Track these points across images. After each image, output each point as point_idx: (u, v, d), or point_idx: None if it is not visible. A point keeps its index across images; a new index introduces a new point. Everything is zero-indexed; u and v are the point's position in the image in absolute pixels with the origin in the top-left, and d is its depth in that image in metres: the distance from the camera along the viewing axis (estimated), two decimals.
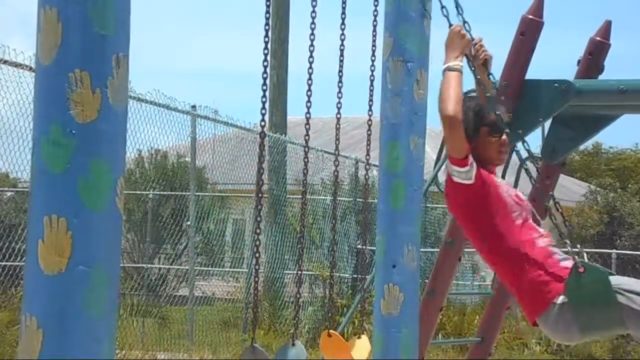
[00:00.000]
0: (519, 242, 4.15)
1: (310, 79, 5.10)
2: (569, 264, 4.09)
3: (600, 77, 6.15)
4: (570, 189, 30.19)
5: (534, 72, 5.82)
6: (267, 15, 4.73)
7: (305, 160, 5.23)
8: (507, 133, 4.33)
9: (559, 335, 4.18)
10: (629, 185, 26.32)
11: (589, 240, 22.50)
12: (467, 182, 4.16)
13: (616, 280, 4.06)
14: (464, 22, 4.63)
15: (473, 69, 4.51)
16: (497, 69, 5.88)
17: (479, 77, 4.50)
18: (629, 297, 3.98)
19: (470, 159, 4.14)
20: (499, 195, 4.19)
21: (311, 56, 5.03)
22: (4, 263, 11.67)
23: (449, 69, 4.22)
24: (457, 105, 4.09)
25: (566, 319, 4.04)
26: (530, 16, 5.74)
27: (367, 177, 5.80)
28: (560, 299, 4.02)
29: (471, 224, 4.28)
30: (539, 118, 5.78)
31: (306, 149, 5.21)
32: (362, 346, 5.36)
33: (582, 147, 37.84)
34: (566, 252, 4.20)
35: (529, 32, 5.75)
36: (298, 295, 5.29)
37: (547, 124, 6.08)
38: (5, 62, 9.02)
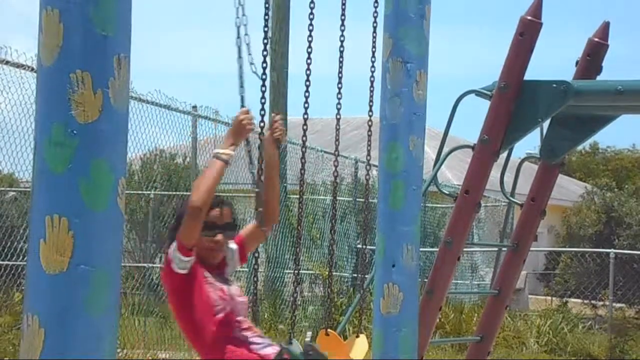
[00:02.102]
0: (215, 333, 4.29)
1: (308, 80, 5.12)
2: (270, 350, 4.29)
3: (599, 77, 6.17)
4: (568, 189, 30.18)
5: (532, 72, 5.84)
6: (267, 17, 4.75)
7: (303, 160, 5.25)
8: (225, 235, 4.37)
9: None
10: (626, 186, 26.30)
11: (587, 239, 22.52)
12: (183, 271, 4.25)
13: None
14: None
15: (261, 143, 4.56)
16: (496, 70, 5.91)
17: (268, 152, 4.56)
18: None
19: (193, 253, 4.22)
20: (204, 290, 4.30)
21: (309, 57, 5.06)
22: (5, 262, 11.68)
23: (216, 156, 4.27)
24: (206, 196, 4.13)
25: None
26: (529, 17, 5.76)
27: (367, 177, 5.82)
28: None
29: (179, 308, 4.38)
30: (537, 118, 5.80)
31: (304, 150, 5.23)
32: (360, 345, 5.38)
33: (579, 147, 37.83)
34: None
35: (527, 33, 5.76)
36: (295, 294, 5.31)
37: (546, 124, 6.10)
38: (7, 62, 9.03)
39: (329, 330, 5.35)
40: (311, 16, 4.98)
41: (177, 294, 4.33)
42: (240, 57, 4.64)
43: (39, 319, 2.16)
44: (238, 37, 4.61)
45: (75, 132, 2.16)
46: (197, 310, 4.30)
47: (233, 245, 4.58)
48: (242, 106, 4.51)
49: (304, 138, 5.15)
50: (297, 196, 5.24)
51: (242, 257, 4.62)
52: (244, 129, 4.37)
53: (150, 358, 11.54)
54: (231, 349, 4.27)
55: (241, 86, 4.64)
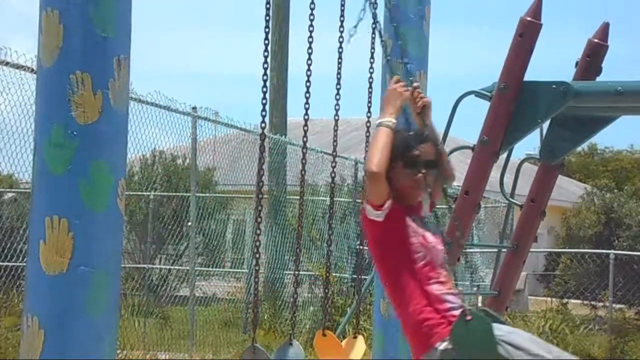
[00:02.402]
0: (414, 283, 4.18)
1: (308, 81, 5.12)
2: (457, 313, 4.14)
3: (599, 78, 6.17)
4: (568, 190, 30.18)
5: (532, 73, 5.84)
6: (267, 17, 4.75)
7: (303, 161, 5.25)
8: (424, 174, 4.27)
9: None
10: (625, 187, 26.30)
11: (586, 241, 22.50)
12: (377, 219, 4.19)
13: (500, 330, 4.10)
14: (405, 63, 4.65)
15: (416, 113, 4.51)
16: (496, 71, 5.91)
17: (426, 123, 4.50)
18: (508, 351, 4.04)
19: (386, 204, 4.16)
20: (406, 235, 4.21)
21: (309, 58, 5.05)
22: (5, 263, 11.68)
23: (380, 124, 4.23)
24: (381, 161, 4.10)
25: None
26: (528, 18, 5.76)
27: (364, 177, 5.81)
28: (443, 345, 4.08)
29: (379, 257, 4.32)
30: (537, 119, 5.79)
31: (304, 151, 5.23)
32: (357, 346, 5.38)
33: (578, 148, 37.85)
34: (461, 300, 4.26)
35: (527, 34, 5.76)
36: (295, 295, 5.31)
37: (546, 125, 6.10)
38: (7, 63, 9.03)
39: (326, 331, 5.34)
40: (312, 17, 4.98)
41: (377, 241, 4.25)
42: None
43: (38, 320, 2.16)
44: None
45: (75, 133, 2.16)
46: (397, 257, 4.20)
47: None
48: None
49: (305, 139, 5.15)
50: (297, 197, 5.24)
51: (431, 205, 4.50)
52: (400, 95, 4.31)
53: (149, 359, 11.54)
54: (429, 323, 4.12)
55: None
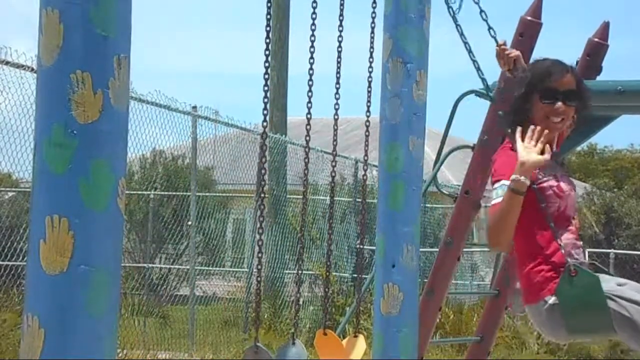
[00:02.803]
0: (542, 235, 4.08)
1: (310, 79, 5.12)
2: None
3: (599, 78, 6.17)
4: None
5: None
6: (268, 16, 4.75)
7: (306, 160, 5.25)
8: (567, 104, 4.12)
9: (546, 331, 4.16)
10: (625, 187, 26.30)
11: (586, 240, 22.52)
12: None
13: (609, 285, 4.02)
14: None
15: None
16: (495, 70, 5.91)
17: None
18: (619, 304, 3.94)
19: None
20: (540, 188, 4.10)
21: (312, 57, 5.06)
22: (6, 263, 11.69)
23: (512, 189, 3.97)
24: (504, 237, 3.96)
25: (555, 318, 4.01)
26: (528, 17, 5.76)
27: (364, 177, 5.82)
28: (553, 299, 4.00)
29: None
30: None
31: (307, 150, 5.23)
32: (358, 345, 5.38)
33: (578, 148, 37.87)
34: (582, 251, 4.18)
35: (527, 33, 5.77)
36: (298, 295, 5.31)
37: None
38: (7, 63, 9.04)
39: (326, 330, 5.34)
40: (314, 15, 4.98)
41: None
42: None
43: (39, 320, 2.16)
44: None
45: (75, 132, 2.16)
46: (528, 213, 4.04)
47: None
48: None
49: (307, 138, 5.15)
50: (297, 196, 5.24)
51: (557, 142, 4.37)
52: (539, 153, 4.06)
53: (150, 358, 11.55)
54: (543, 276, 4.02)
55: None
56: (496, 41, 4.54)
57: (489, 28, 4.66)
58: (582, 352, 14.99)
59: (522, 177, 3.96)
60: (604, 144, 44.70)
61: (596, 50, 6.16)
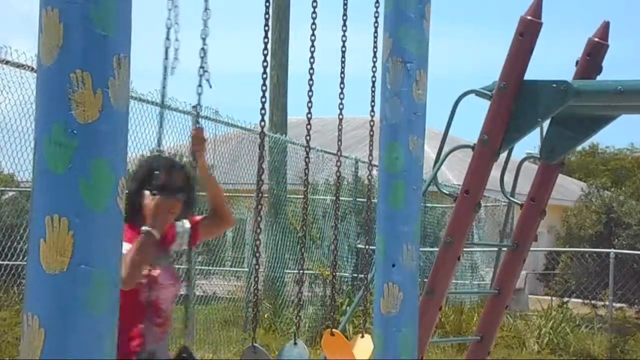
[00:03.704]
0: (130, 315, 4.17)
1: (311, 79, 5.12)
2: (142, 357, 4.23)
3: (599, 77, 6.17)
4: (568, 189, 30.19)
5: (532, 73, 5.84)
6: (267, 15, 4.75)
7: (307, 160, 5.25)
8: (178, 198, 4.29)
9: None
10: (623, 188, 26.30)
11: (587, 240, 22.51)
12: None
13: None
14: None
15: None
16: (496, 70, 5.91)
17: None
18: None
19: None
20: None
21: (312, 57, 5.06)
22: (6, 262, 11.69)
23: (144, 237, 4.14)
24: (131, 279, 4.07)
25: None
26: (529, 17, 5.76)
27: (369, 177, 5.83)
28: None
29: None
30: (537, 118, 5.80)
31: (307, 149, 5.23)
32: (364, 345, 5.38)
33: (579, 147, 37.85)
34: None
35: (527, 32, 5.76)
36: (300, 295, 5.31)
37: (546, 124, 6.10)
38: (7, 62, 9.04)
39: (334, 330, 5.34)
40: (314, 15, 4.98)
41: None
42: (166, 58, 4.63)
43: (39, 319, 2.16)
44: (167, 38, 4.60)
45: (75, 132, 2.16)
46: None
47: (187, 224, 4.52)
48: (163, 102, 4.56)
49: (308, 138, 5.15)
50: (297, 196, 5.24)
51: (194, 238, 4.54)
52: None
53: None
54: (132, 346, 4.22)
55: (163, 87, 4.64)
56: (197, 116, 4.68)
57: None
58: (582, 352, 15.00)
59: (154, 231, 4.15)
60: (605, 144, 44.72)
61: (596, 50, 6.16)
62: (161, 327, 4.34)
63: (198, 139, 4.59)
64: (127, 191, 4.28)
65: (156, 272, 4.27)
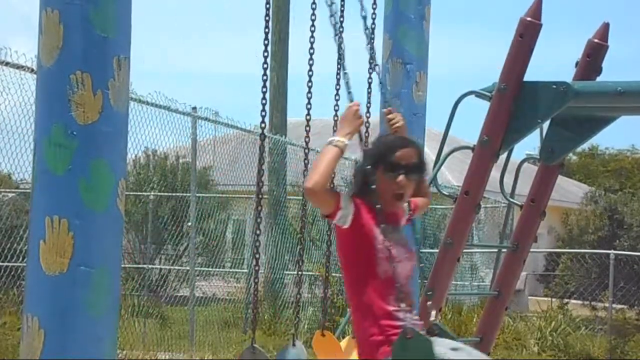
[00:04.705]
0: (371, 295, 4.17)
1: (310, 81, 5.12)
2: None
3: (599, 78, 6.16)
4: (568, 190, 30.19)
5: (532, 74, 5.83)
6: (267, 17, 4.76)
7: (306, 161, 5.25)
8: (408, 177, 4.23)
9: None
10: (627, 190, 26.28)
11: (588, 241, 22.49)
12: (343, 226, 4.17)
13: (442, 349, 4.10)
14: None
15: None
16: (496, 71, 5.91)
17: None
18: None
19: (339, 212, 4.12)
20: (370, 245, 4.17)
21: (311, 58, 5.05)
22: (5, 264, 11.69)
23: (332, 143, 4.18)
24: (318, 180, 4.04)
25: None
26: (528, 18, 5.75)
27: None
28: None
29: (343, 263, 4.31)
30: (537, 120, 5.79)
31: (307, 151, 5.23)
32: (354, 345, 5.38)
33: (579, 149, 37.84)
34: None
35: (527, 34, 5.76)
36: (298, 296, 5.30)
37: (546, 125, 6.10)
38: (7, 63, 9.03)
39: (325, 331, 5.34)
40: (313, 17, 4.98)
41: (341, 247, 4.23)
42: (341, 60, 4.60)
43: (39, 320, 2.16)
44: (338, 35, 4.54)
45: (75, 133, 2.16)
46: (359, 265, 4.17)
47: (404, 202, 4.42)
48: (351, 100, 4.46)
49: (307, 139, 5.15)
50: (297, 197, 5.24)
51: (411, 215, 4.49)
52: (358, 119, 4.25)
53: (149, 359, 11.55)
54: (374, 340, 4.13)
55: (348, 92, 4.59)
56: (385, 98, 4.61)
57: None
58: (582, 352, 14.99)
59: (342, 139, 4.15)
60: (605, 146, 44.67)
61: (596, 51, 6.15)
62: (405, 302, 4.21)
63: (390, 119, 4.51)
64: (359, 167, 4.27)
65: (392, 248, 4.18)
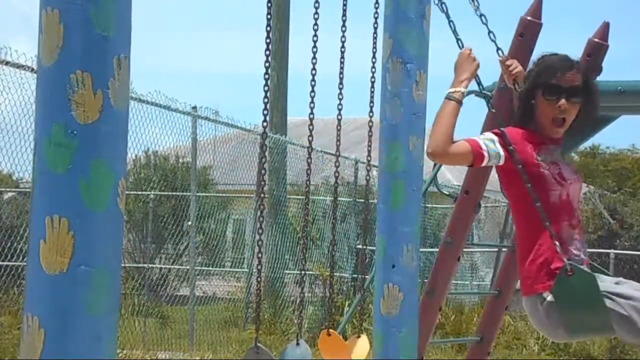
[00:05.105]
0: (539, 225, 4.03)
1: (313, 80, 5.12)
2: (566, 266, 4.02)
3: (599, 78, 6.17)
4: None
5: None
6: (269, 16, 4.76)
7: (308, 160, 5.26)
8: (570, 101, 4.05)
9: (545, 330, 4.12)
10: (626, 189, 26.26)
11: (589, 242, 22.49)
12: (499, 164, 4.06)
13: (606, 284, 3.97)
14: (489, 32, 4.57)
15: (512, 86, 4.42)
16: (496, 70, 5.91)
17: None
18: (617, 302, 3.89)
19: (485, 156, 3.98)
20: (537, 173, 4.03)
21: (314, 57, 5.06)
22: (5, 263, 11.70)
23: (448, 96, 4.06)
24: (440, 139, 3.96)
25: (553, 317, 3.98)
26: (528, 17, 5.76)
27: (367, 177, 5.83)
28: (550, 297, 3.98)
29: (509, 191, 4.21)
30: None
31: (309, 150, 5.23)
32: (361, 346, 5.39)
33: (580, 148, 37.81)
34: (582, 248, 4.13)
35: (527, 33, 5.76)
36: (302, 295, 5.31)
37: None
38: (7, 63, 9.05)
39: (330, 330, 5.34)
40: (316, 16, 4.99)
41: (505, 176, 4.10)
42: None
43: (39, 320, 2.16)
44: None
45: (75, 132, 2.16)
46: (525, 197, 4.01)
47: None
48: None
49: (310, 138, 5.16)
50: (297, 197, 5.24)
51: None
52: (473, 61, 4.17)
53: (149, 358, 11.55)
54: (544, 272, 3.97)
55: None
56: (497, 46, 4.53)
57: (489, 32, 4.65)
58: (582, 352, 15.00)
59: (458, 89, 4.05)
60: (606, 145, 44.66)
61: (596, 51, 6.16)
62: (576, 229, 4.10)
63: (508, 65, 4.43)
64: (520, 90, 4.09)
65: (558, 169, 4.07)
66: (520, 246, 4.12)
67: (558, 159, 4.13)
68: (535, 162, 4.05)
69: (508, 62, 4.40)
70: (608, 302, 3.90)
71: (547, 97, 4.05)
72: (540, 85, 4.07)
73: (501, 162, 4.02)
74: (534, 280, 4.01)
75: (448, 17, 4.73)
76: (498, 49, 4.67)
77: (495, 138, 4.04)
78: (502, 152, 4.02)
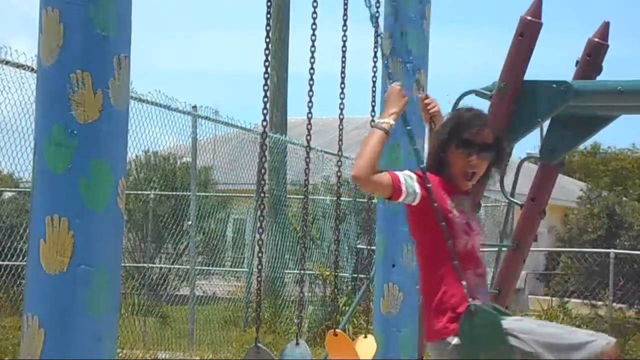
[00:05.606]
0: (446, 269, 4.08)
1: (311, 79, 5.12)
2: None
3: (599, 77, 6.17)
4: (569, 189, 30.18)
5: (532, 73, 5.84)
6: (268, 15, 4.75)
7: (307, 160, 5.25)
8: (480, 157, 4.17)
9: None
10: (627, 188, 26.25)
11: (587, 240, 22.47)
12: (412, 203, 4.10)
13: (508, 321, 4.03)
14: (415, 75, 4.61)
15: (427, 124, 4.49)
16: (496, 70, 5.91)
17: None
18: (520, 339, 3.95)
19: (403, 191, 4.04)
20: (448, 218, 4.10)
21: (312, 57, 5.05)
22: (6, 263, 11.69)
23: (376, 125, 4.12)
24: (365, 164, 4.00)
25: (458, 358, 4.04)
26: (528, 17, 5.76)
27: None
28: (456, 339, 4.02)
29: (417, 232, 4.23)
30: (537, 118, 5.80)
31: (308, 149, 5.23)
32: (368, 345, 5.37)
33: (580, 148, 37.79)
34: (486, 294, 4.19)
35: (527, 33, 5.76)
36: (301, 295, 5.30)
37: (546, 124, 6.10)
38: (7, 63, 9.04)
39: (337, 330, 5.33)
40: (314, 15, 4.98)
41: (414, 226, 4.15)
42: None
43: (39, 319, 2.16)
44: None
45: (75, 132, 2.16)
46: (434, 244, 4.07)
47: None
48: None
49: (308, 137, 5.15)
50: (297, 196, 5.24)
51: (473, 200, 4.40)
52: (402, 97, 4.20)
53: (149, 358, 11.55)
54: (449, 316, 4.02)
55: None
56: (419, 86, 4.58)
57: (378, 35, 4.62)
58: None
59: (387, 120, 4.10)
60: (607, 145, 44.62)
61: (596, 50, 6.16)
62: (482, 278, 4.16)
63: (427, 104, 4.48)
64: (435, 137, 4.17)
65: (466, 219, 4.14)
66: (425, 291, 4.17)
67: (466, 210, 4.20)
68: (447, 207, 4.12)
69: (427, 101, 4.47)
70: (512, 340, 3.98)
71: (460, 150, 4.14)
72: (455, 139, 4.16)
73: (416, 202, 4.07)
74: (440, 326, 4.05)
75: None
76: (383, 54, 4.72)
77: (414, 176, 4.10)
78: (418, 191, 4.07)
